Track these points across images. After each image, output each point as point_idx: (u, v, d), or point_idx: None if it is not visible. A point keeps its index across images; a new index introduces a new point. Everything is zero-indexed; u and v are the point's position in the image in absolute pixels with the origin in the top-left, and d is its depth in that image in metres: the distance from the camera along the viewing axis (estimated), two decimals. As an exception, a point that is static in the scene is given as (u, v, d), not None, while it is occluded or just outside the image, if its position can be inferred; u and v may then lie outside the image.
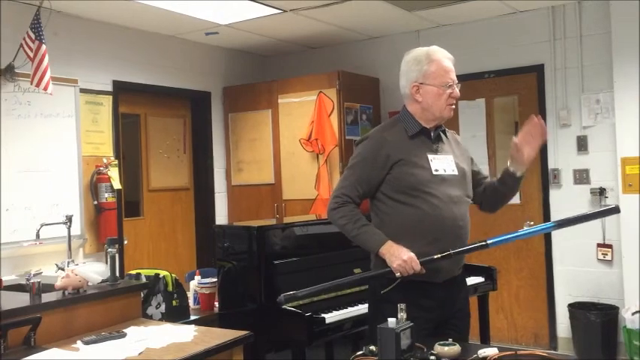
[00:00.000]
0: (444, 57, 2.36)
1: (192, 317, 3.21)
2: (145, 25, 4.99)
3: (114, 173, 4.65)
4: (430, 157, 2.34)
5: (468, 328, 2.46)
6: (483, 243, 2.26)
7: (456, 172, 2.36)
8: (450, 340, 2.00)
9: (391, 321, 1.91)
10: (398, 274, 2.21)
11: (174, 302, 3.12)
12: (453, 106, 2.37)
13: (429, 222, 2.27)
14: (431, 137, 2.39)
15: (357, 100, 5.31)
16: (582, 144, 4.79)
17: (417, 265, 2.20)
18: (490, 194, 2.51)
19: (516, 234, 2.28)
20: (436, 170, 2.31)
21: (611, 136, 4.61)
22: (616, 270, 4.61)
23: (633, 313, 4.25)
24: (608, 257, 4.66)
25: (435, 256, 2.21)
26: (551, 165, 4.91)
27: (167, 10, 4.53)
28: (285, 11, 4.69)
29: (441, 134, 2.44)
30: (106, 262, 2.63)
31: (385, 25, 5.27)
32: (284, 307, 2.89)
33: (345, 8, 4.69)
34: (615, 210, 2.31)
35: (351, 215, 2.34)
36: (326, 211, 2.43)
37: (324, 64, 5.81)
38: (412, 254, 2.21)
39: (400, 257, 2.21)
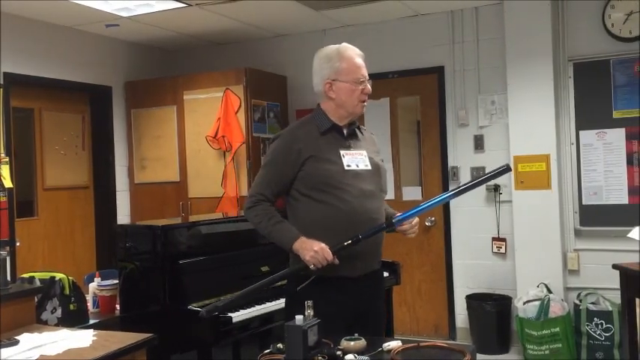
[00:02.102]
0: (355, 54, 2.41)
1: (92, 321, 3.08)
2: (40, 15, 4.72)
3: (4, 171, 4.37)
4: (342, 152, 2.36)
5: (383, 322, 2.51)
6: (389, 222, 2.30)
7: (369, 167, 2.40)
8: (356, 334, 2.04)
9: (298, 318, 1.92)
10: (312, 267, 2.22)
11: (71, 306, 2.97)
12: (366, 103, 2.42)
13: (342, 217, 2.29)
14: (343, 134, 2.42)
15: (264, 97, 5.29)
16: (479, 143, 5.03)
17: (328, 255, 2.21)
18: None
19: (419, 208, 2.32)
20: (348, 166, 2.34)
21: (504, 135, 4.88)
22: (509, 262, 4.89)
23: (525, 303, 4.52)
24: (502, 250, 4.93)
25: (345, 243, 2.22)
26: (450, 163, 5.12)
27: (64, 0, 4.31)
28: (190, 5, 4.59)
29: (356, 131, 2.48)
30: (-4, 266, 2.47)
31: (292, 24, 5.28)
32: (189, 307, 2.84)
33: (252, 5, 4.66)
34: (507, 169, 2.30)
35: (265, 213, 2.35)
36: (243, 210, 2.43)
37: (230, 61, 5.75)
38: (323, 244, 2.22)
39: (311, 248, 2.22)
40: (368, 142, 2.52)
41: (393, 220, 2.31)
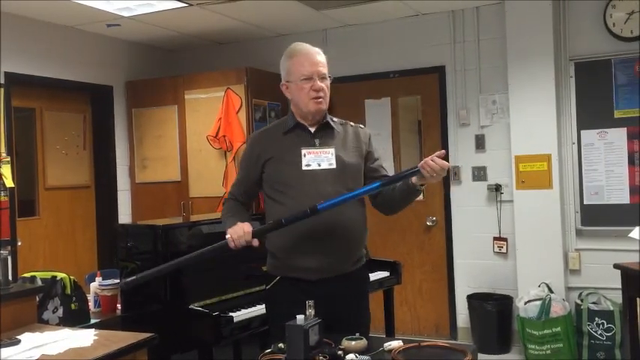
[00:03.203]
0: (304, 52, 2.36)
1: (93, 321, 3.08)
2: (41, 14, 4.72)
3: (6, 171, 4.38)
4: (304, 151, 2.32)
5: (362, 326, 2.31)
6: (313, 208, 2.17)
7: (333, 166, 2.32)
8: (357, 334, 2.04)
9: (299, 318, 1.92)
10: (228, 237, 2.23)
11: (72, 306, 2.97)
12: (319, 99, 2.33)
13: None
14: (310, 132, 2.38)
15: (265, 96, 5.28)
16: (480, 142, 5.02)
17: (247, 227, 2.21)
18: (385, 198, 2.40)
19: (345, 196, 2.22)
20: (307, 165, 2.31)
21: (506, 135, 4.87)
22: (510, 262, 4.88)
23: (526, 302, 4.52)
24: (504, 250, 4.92)
25: (269, 222, 2.28)
26: (451, 162, 5.11)
27: (65, 0, 4.31)
28: (190, 5, 4.59)
29: (332, 126, 2.40)
30: (-3, 266, 2.47)
31: (293, 23, 5.28)
32: (191, 307, 2.84)
33: (253, 4, 4.66)
34: (416, 171, 2.16)
35: (227, 209, 2.46)
36: None
37: (231, 61, 5.75)
38: (247, 223, 2.24)
39: (234, 223, 2.27)
40: (350, 137, 2.41)
41: (318, 207, 2.17)
